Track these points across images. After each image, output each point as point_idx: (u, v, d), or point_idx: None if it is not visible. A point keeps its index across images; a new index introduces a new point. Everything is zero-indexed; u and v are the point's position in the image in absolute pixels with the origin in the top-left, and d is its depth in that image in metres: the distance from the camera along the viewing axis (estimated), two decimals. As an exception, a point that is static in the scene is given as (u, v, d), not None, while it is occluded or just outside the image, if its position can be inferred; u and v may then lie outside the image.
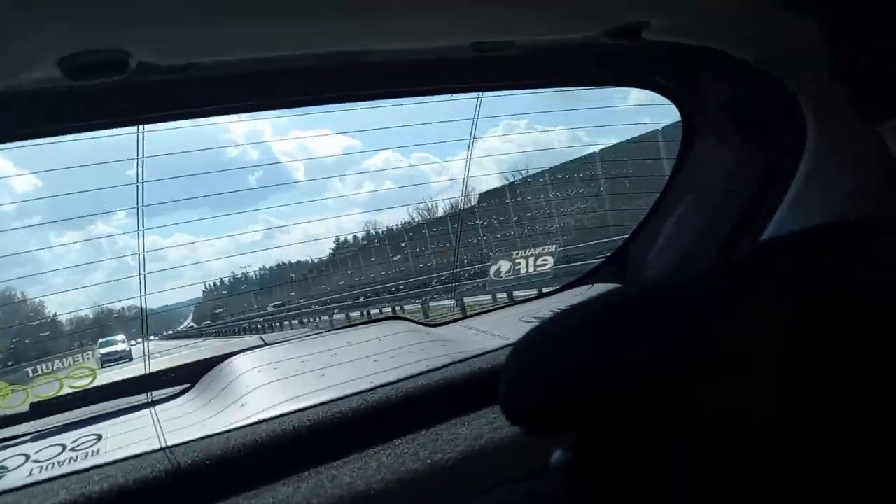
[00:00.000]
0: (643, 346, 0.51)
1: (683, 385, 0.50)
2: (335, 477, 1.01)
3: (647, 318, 0.52)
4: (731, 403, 0.50)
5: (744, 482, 0.50)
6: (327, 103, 1.32)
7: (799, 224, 1.49)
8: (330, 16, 0.96)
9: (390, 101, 1.49)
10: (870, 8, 1.01)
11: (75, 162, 1.52)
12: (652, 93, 1.67)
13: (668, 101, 1.67)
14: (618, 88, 1.73)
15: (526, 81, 1.44)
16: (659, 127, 1.98)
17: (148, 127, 1.17)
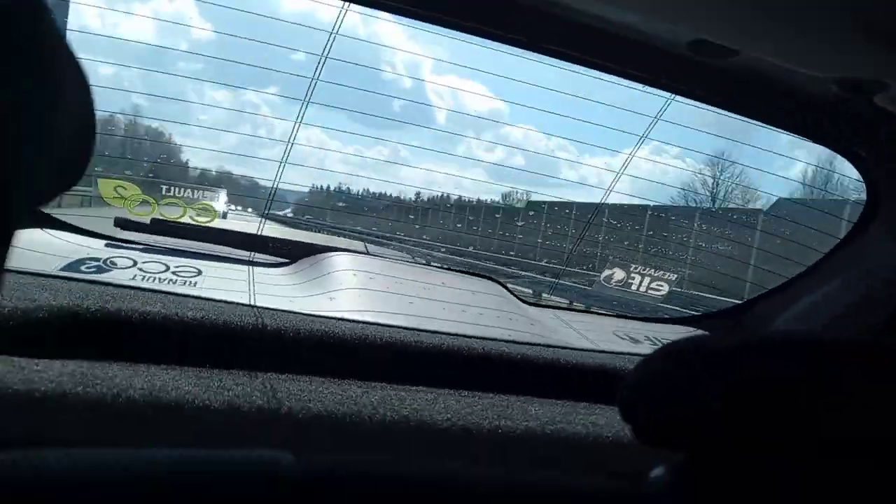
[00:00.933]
0: (771, 370, 0.51)
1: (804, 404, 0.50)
2: (404, 399, 1.01)
3: (782, 352, 0.52)
4: (848, 428, 0.50)
5: None
6: (519, 45, 1.28)
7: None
8: None
9: (565, 68, 1.43)
10: None
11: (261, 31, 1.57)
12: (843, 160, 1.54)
13: (858, 178, 1.54)
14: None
15: (727, 100, 1.35)
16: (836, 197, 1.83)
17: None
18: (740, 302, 1.78)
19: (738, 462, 0.53)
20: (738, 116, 1.41)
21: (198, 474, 0.44)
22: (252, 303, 1.19)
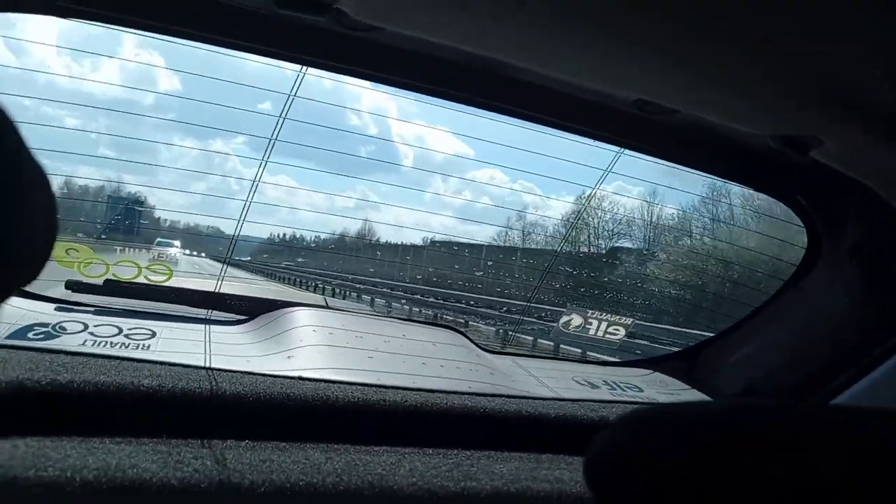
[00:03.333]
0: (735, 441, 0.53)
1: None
2: (368, 463, 1.01)
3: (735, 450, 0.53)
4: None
5: None
6: (478, 106, 1.33)
7: (886, 394, 1.42)
8: (518, 27, 0.97)
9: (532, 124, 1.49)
10: None
11: (225, 76, 1.58)
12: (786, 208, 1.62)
13: (799, 223, 1.61)
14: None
15: (673, 154, 1.41)
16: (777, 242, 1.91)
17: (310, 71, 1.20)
18: (691, 344, 1.83)
19: None
20: (685, 168, 1.47)
21: None
22: (207, 365, 1.17)
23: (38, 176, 0.43)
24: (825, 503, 0.50)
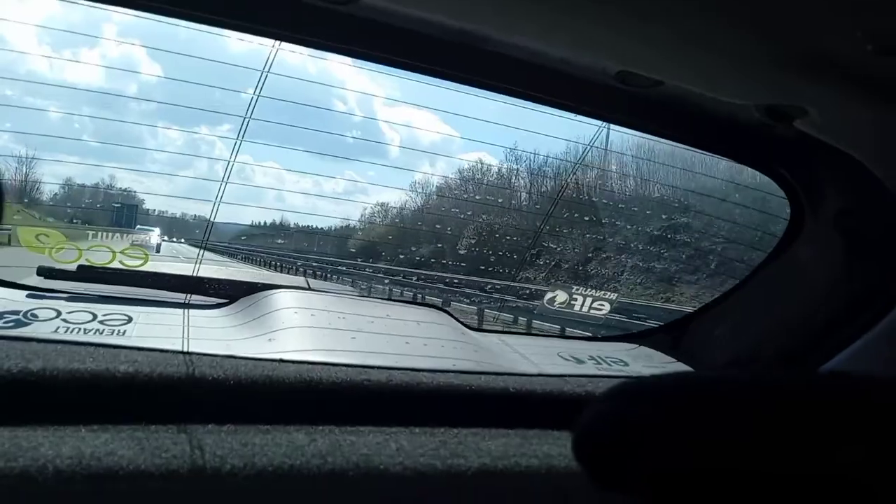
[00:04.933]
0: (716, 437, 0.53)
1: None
2: (353, 443, 0.99)
3: (723, 415, 0.54)
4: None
5: None
6: (457, 81, 1.30)
7: (872, 360, 1.43)
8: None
9: (512, 99, 1.47)
10: None
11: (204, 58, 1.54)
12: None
13: (782, 195, 1.61)
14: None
15: (657, 128, 1.39)
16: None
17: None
18: (676, 318, 1.83)
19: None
20: (668, 141, 1.46)
21: None
22: (186, 349, 1.15)
23: None
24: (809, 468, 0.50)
